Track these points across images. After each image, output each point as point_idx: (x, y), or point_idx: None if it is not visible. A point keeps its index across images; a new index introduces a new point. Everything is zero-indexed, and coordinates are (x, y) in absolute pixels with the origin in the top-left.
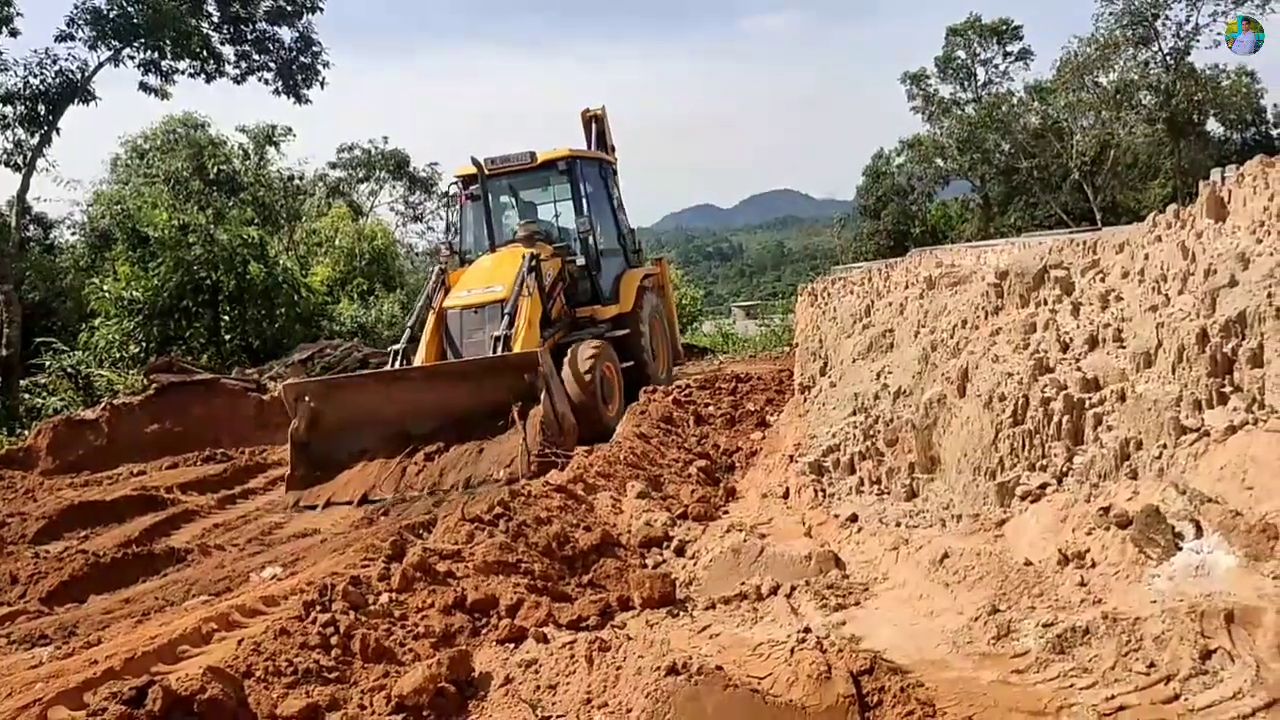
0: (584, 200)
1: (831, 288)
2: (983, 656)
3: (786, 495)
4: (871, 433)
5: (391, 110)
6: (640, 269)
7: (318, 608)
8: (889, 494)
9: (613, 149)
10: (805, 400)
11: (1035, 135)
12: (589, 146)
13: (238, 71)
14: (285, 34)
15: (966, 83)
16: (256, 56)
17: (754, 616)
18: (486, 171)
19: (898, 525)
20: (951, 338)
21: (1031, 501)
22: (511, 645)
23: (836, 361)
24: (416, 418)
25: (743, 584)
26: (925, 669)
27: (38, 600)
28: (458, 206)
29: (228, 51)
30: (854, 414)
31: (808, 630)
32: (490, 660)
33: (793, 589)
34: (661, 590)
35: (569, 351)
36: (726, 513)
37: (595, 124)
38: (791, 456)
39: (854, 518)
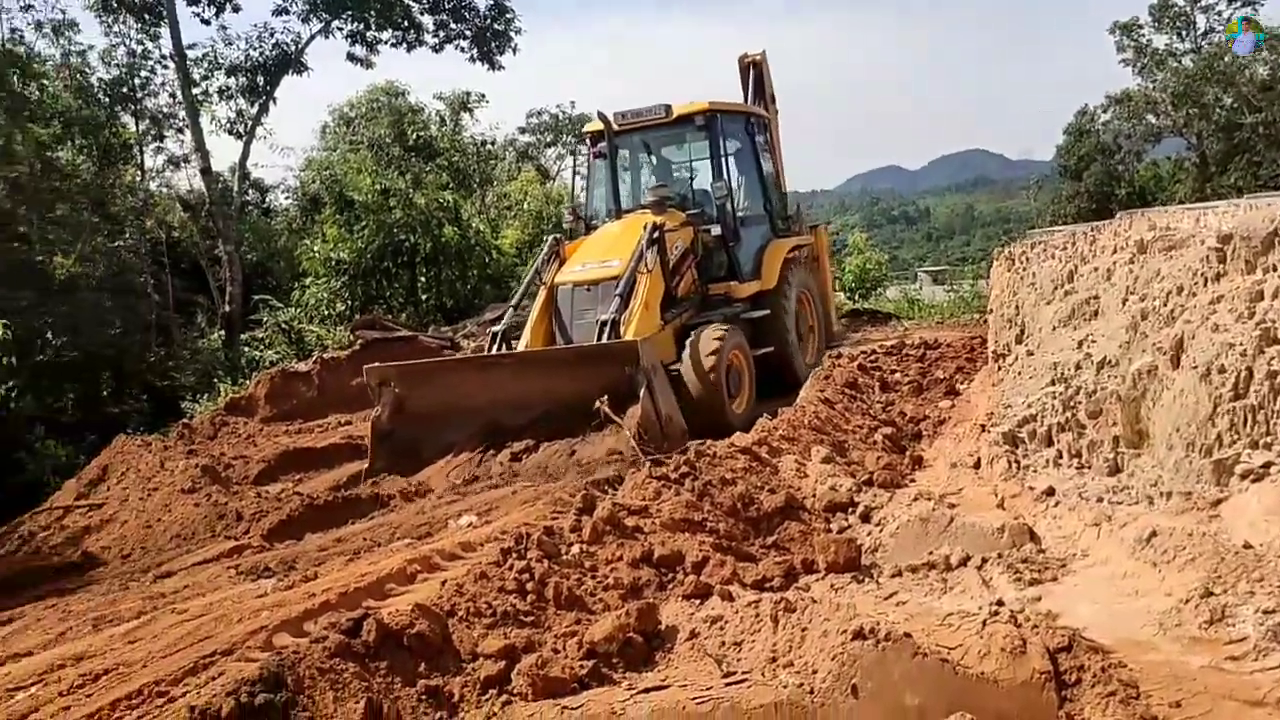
0: (723, 160)
1: (1031, 252)
2: (1193, 641)
3: (978, 465)
4: (1072, 404)
5: (580, 74)
6: (789, 239)
7: (514, 555)
8: (1090, 468)
9: (773, 99)
10: (999, 368)
11: (1263, 88)
12: (746, 97)
13: (436, 40)
14: (480, 2)
15: (1185, 31)
16: (453, 25)
17: (943, 587)
18: (616, 127)
19: (1099, 501)
20: (1165, 305)
21: (1253, 481)
22: (697, 601)
23: (1034, 329)
24: (509, 409)
25: (931, 553)
26: (1128, 650)
27: (260, 536)
28: (586, 167)
29: (427, 21)
30: (1053, 384)
31: (1001, 603)
32: (676, 614)
33: (984, 561)
34: (847, 555)
35: (690, 337)
36: (913, 481)
37: (753, 70)
38: (984, 426)
39: (1051, 491)
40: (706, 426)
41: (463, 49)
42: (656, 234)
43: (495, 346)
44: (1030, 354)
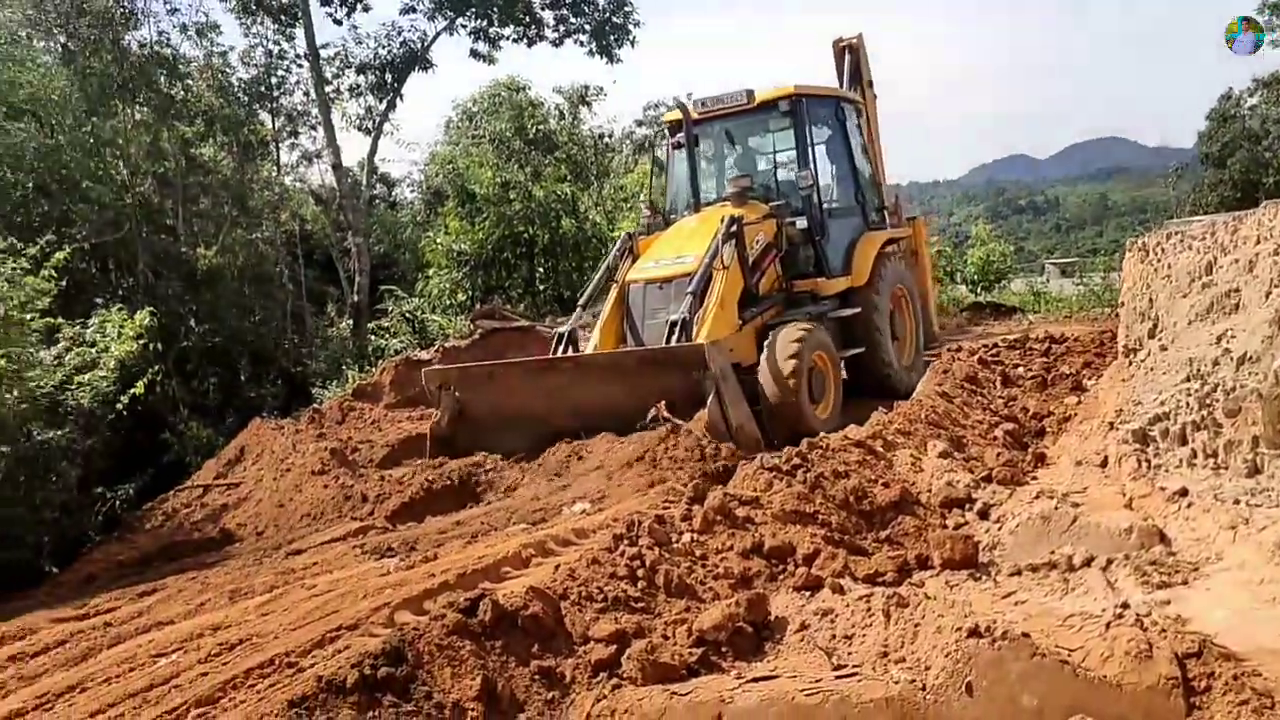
0: (810, 148)
1: (1166, 243)
2: None
3: (1104, 464)
4: (1208, 402)
5: (698, 67)
6: (882, 232)
7: (625, 542)
8: (1226, 469)
9: (870, 84)
10: (1130, 364)
11: None
12: (841, 82)
13: (556, 35)
14: None
15: None
16: (573, 19)
17: (1064, 587)
18: (695, 115)
19: (1236, 503)
20: None
21: None
22: (807, 593)
23: (1169, 323)
24: (569, 414)
25: (1052, 553)
26: (1264, 659)
27: (384, 517)
28: (665, 158)
29: (548, 16)
30: (1187, 380)
31: (1126, 606)
32: (786, 606)
33: (1109, 562)
34: (963, 552)
35: (769, 338)
36: (1035, 478)
37: (849, 55)
38: (1112, 424)
39: (1184, 492)
40: (787, 434)
41: (581, 43)
42: (734, 227)
43: (560, 348)
44: (1164, 349)
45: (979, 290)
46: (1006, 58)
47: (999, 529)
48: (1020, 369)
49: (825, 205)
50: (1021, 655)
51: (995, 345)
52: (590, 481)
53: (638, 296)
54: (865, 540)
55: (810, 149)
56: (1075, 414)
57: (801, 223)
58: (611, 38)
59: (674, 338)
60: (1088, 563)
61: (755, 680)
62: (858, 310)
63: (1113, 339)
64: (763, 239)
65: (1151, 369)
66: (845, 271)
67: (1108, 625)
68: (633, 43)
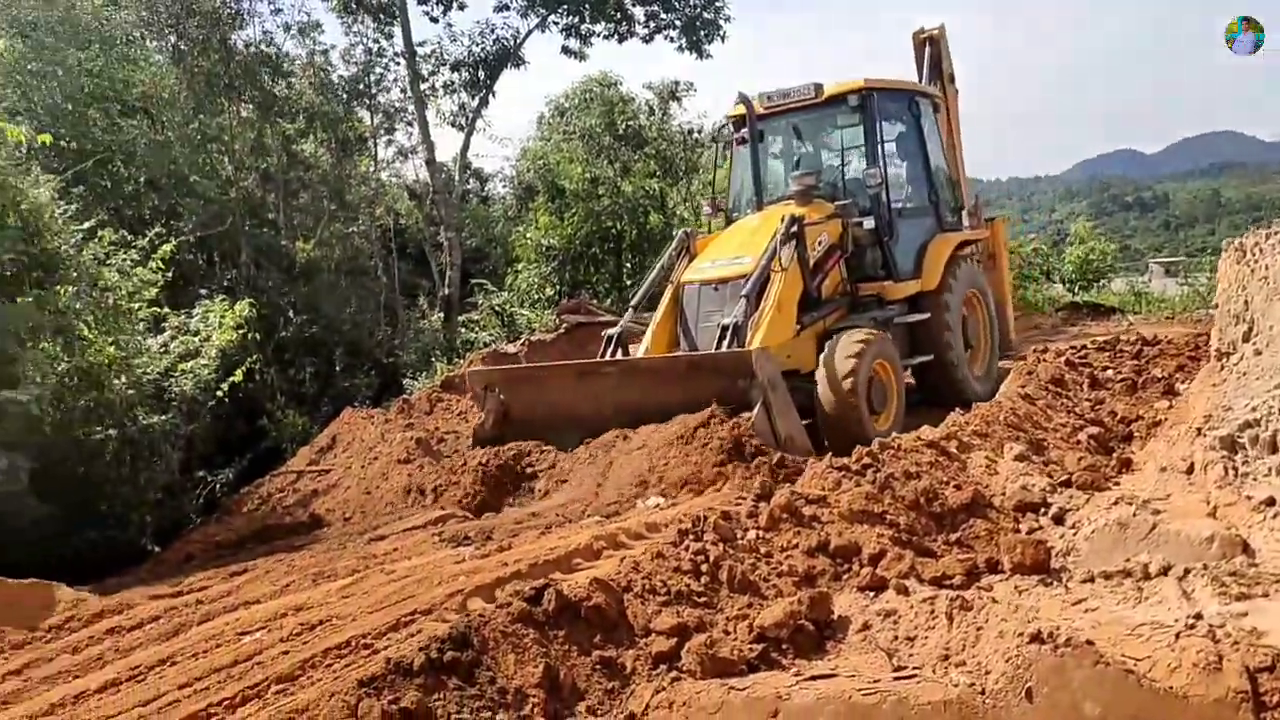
0: (879, 144)
1: (1265, 242)
2: None
3: (1190, 470)
4: None
5: (788, 61)
6: (957, 234)
7: (690, 537)
8: None
9: (951, 79)
10: (1222, 368)
11: None
12: (921, 75)
13: (646, 31)
14: None
15: None
16: (664, 15)
17: (1137, 596)
18: (760, 109)
19: None
20: None
21: None
22: (871, 593)
23: (1264, 326)
24: (615, 419)
25: (1127, 560)
26: None
27: (464, 507)
28: (728, 153)
29: (638, 12)
30: None
31: (1199, 616)
32: (849, 605)
33: (1186, 571)
34: (1034, 557)
35: (828, 344)
36: (1117, 484)
37: (929, 46)
38: (1199, 429)
39: (1272, 501)
40: (844, 446)
41: (671, 39)
42: (795, 227)
43: (609, 350)
44: (1258, 353)
45: (1076, 290)
46: (1118, 45)
47: (1074, 534)
48: (1109, 371)
49: (896, 205)
50: (1084, 663)
51: (1084, 347)
52: (634, 461)
53: (692, 298)
54: (934, 542)
55: (880, 146)
56: (1166, 419)
57: (869, 223)
58: (702, 33)
59: (725, 343)
60: (1164, 571)
61: (813, 678)
62: (926, 316)
63: (1209, 341)
64: (826, 239)
65: (1244, 374)
66: (915, 275)
67: (1177, 635)
68: (723, 38)
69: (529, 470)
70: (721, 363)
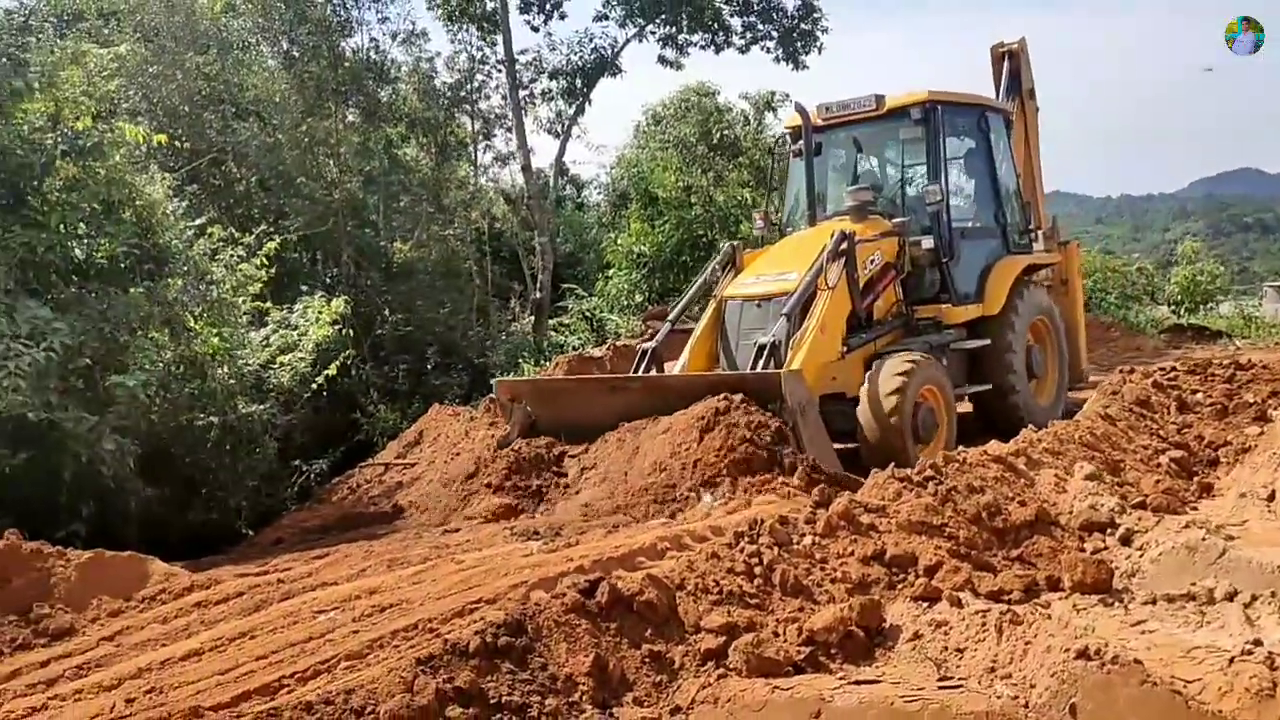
0: (942, 160)
1: None
2: None
3: (1272, 498)
4: None
5: (888, 70)
6: (1024, 256)
7: (745, 539)
8: None
9: (1031, 94)
10: None
11: None
12: (997, 90)
13: (743, 41)
14: (789, 2)
15: None
16: (761, 26)
17: (1199, 620)
18: (819, 121)
19: None
20: None
21: None
22: (925, 604)
23: None
24: None
25: (1193, 584)
26: None
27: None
28: (787, 166)
29: (735, 23)
30: None
31: (1258, 642)
32: (901, 614)
33: (1254, 598)
34: (1096, 577)
35: (873, 367)
36: (1194, 509)
37: (1008, 61)
38: None
39: None
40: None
41: (768, 49)
42: (844, 243)
43: (643, 365)
44: None
45: (1182, 312)
46: (1242, 57)
47: (1140, 556)
48: (1199, 395)
49: (959, 224)
50: (1131, 681)
51: (1173, 369)
52: (657, 444)
53: (734, 314)
54: (994, 557)
55: (943, 161)
56: (1255, 445)
57: (928, 242)
58: (799, 44)
59: (761, 363)
60: (1230, 597)
61: (857, 682)
62: (987, 342)
63: None
64: (879, 258)
65: None
66: (977, 298)
67: (1232, 660)
68: (820, 49)
69: (560, 459)
70: (749, 384)
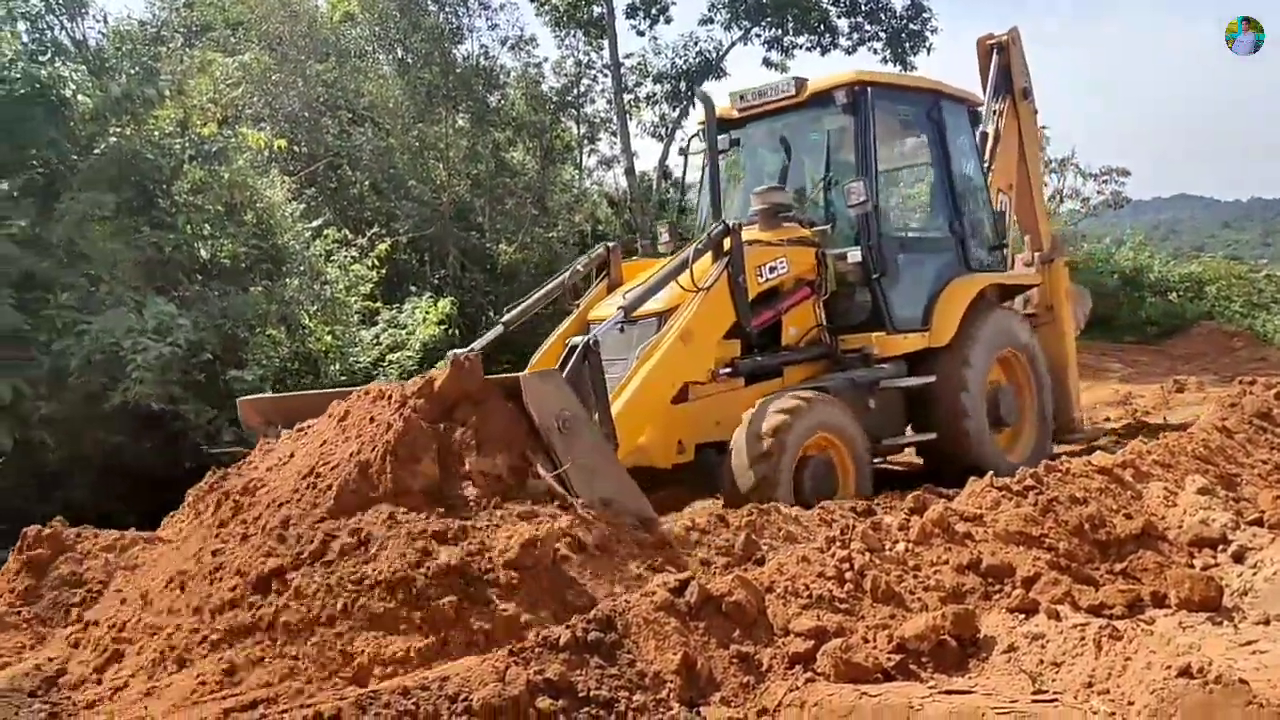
0: (871, 155)
1: None
2: None
3: None
4: None
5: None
6: (986, 275)
7: (837, 544)
8: None
9: (1024, 93)
10: None
11: None
12: (984, 87)
13: (849, 43)
14: (897, 2)
15: None
16: (868, 27)
17: None
18: (734, 113)
19: None
20: None
21: None
22: (1021, 616)
23: None
24: None
25: None
26: None
27: None
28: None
29: (842, 24)
30: None
31: None
32: (996, 625)
33: None
34: (1204, 594)
35: (757, 407)
36: None
37: (998, 55)
38: None
39: None
40: None
41: (875, 50)
42: (726, 236)
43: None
44: None
45: None
46: None
47: (1254, 574)
48: None
49: (899, 234)
50: (1235, 701)
51: None
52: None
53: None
54: (1097, 570)
55: (872, 156)
56: None
57: (855, 255)
58: (907, 44)
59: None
60: None
61: (948, 692)
62: (932, 379)
63: None
64: (784, 267)
65: None
66: (922, 325)
67: None
68: (929, 50)
69: None
70: (465, 388)
